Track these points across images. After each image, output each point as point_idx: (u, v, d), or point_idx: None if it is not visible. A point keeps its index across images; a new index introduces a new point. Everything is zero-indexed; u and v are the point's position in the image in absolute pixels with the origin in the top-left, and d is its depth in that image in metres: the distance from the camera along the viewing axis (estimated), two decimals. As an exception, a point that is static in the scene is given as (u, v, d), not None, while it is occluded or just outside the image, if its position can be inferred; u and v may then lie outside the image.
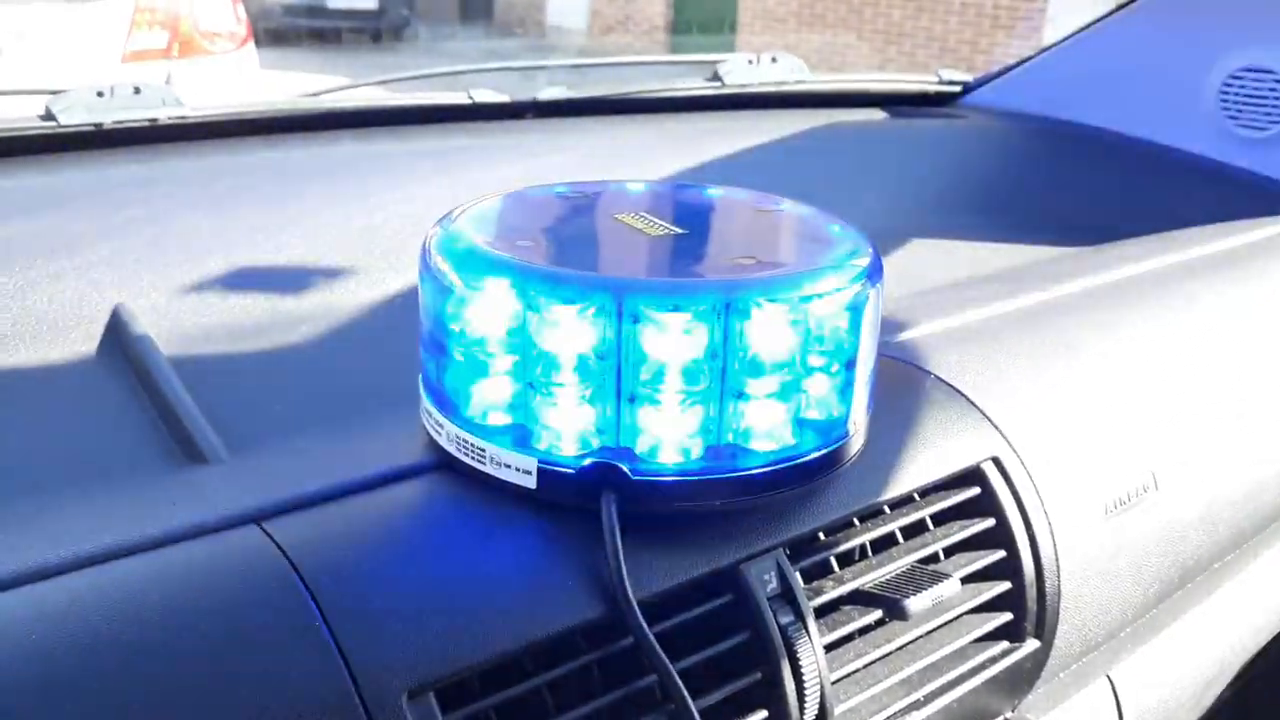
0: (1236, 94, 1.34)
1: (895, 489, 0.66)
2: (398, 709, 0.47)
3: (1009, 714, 0.73)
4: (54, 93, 1.00)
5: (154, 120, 1.03)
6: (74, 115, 0.99)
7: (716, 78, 1.41)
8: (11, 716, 0.42)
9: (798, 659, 0.57)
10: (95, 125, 1.00)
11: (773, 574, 0.59)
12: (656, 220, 0.61)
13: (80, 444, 0.65)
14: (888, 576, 0.64)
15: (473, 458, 0.56)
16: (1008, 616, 0.69)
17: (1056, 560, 0.71)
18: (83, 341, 0.75)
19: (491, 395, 0.55)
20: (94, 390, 0.71)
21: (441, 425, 0.57)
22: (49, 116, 0.98)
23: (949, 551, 0.68)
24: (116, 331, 0.76)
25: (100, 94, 1.01)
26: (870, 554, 0.65)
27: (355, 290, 0.87)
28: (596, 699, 0.52)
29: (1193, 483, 0.83)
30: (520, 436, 0.55)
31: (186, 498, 0.57)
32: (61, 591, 0.48)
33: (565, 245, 0.60)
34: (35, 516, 0.56)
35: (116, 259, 0.82)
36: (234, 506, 0.54)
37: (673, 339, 0.52)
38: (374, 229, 0.94)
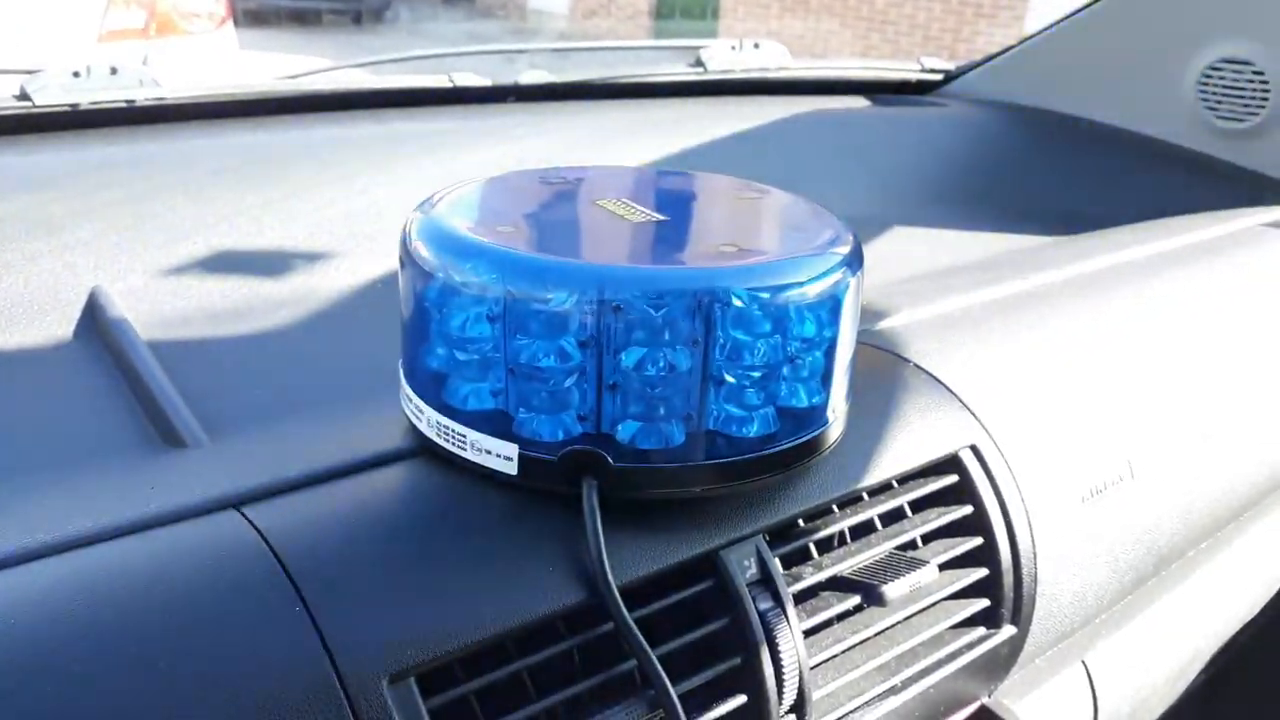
0: (1215, 85, 1.35)
1: (874, 476, 0.66)
2: (378, 694, 0.47)
3: (985, 699, 0.74)
4: (29, 72, 0.99)
5: (131, 101, 1.02)
6: (49, 96, 0.98)
7: (699, 63, 1.40)
8: (-12, 702, 0.42)
9: (776, 644, 0.57)
10: (71, 106, 0.99)
11: (752, 560, 0.59)
12: (638, 206, 0.61)
13: (57, 428, 0.65)
14: (866, 563, 0.64)
15: (453, 444, 0.56)
16: (984, 603, 0.70)
17: (1033, 547, 0.71)
18: (59, 325, 0.75)
19: (472, 381, 0.55)
20: (71, 374, 0.70)
21: (422, 411, 0.57)
22: (24, 97, 0.97)
23: (927, 538, 0.69)
24: (94, 315, 0.75)
25: (76, 74, 1.00)
26: (849, 540, 0.66)
27: (335, 275, 0.86)
28: (577, 684, 0.53)
29: (1168, 472, 0.84)
30: (501, 423, 0.55)
31: (165, 482, 0.57)
32: (39, 577, 0.47)
33: (546, 231, 0.60)
34: (11, 501, 0.55)
35: (93, 241, 0.82)
36: (213, 491, 0.54)
37: (653, 326, 0.52)
38: (354, 213, 0.93)
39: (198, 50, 3.08)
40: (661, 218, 0.60)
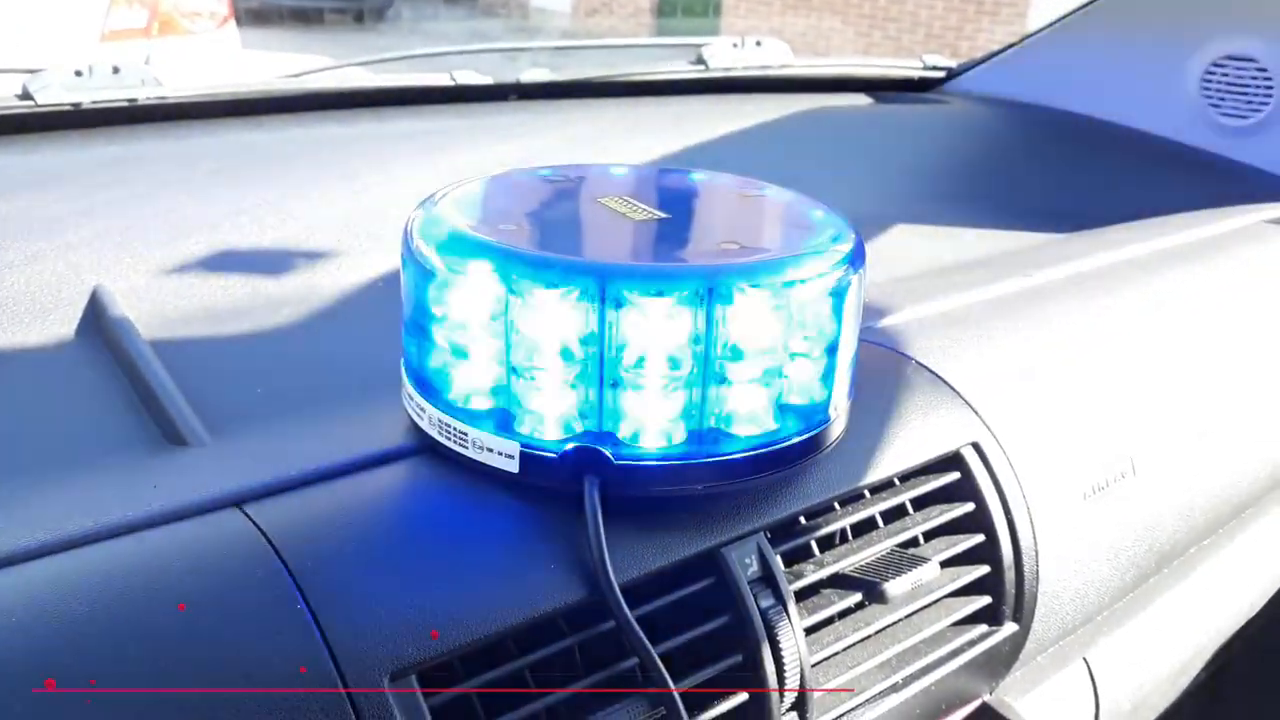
0: (1219, 82, 1.35)
1: (876, 473, 0.66)
2: (380, 692, 0.47)
3: (987, 696, 0.74)
4: (31, 72, 0.99)
5: (133, 100, 1.02)
6: (52, 95, 0.98)
7: (701, 61, 1.40)
8: (-9, 699, 0.42)
9: (778, 642, 0.57)
10: (73, 105, 0.99)
11: (753, 557, 0.59)
12: (640, 204, 0.61)
13: (59, 427, 0.65)
14: (868, 560, 0.64)
15: (455, 441, 0.56)
16: (986, 600, 0.70)
17: (1035, 545, 0.71)
18: (61, 324, 0.75)
19: (474, 379, 0.55)
20: (73, 373, 0.70)
21: (423, 409, 0.57)
22: (26, 96, 0.97)
23: (928, 535, 0.69)
24: (95, 314, 0.75)
25: (78, 73, 1.00)
26: (850, 538, 0.66)
27: (337, 273, 0.86)
28: (578, 681, 0.53)
29: (1170, 469, 0.84)
30: (503, 420, 0.55)
31: (167, 481, 0.57)
32: (41, 575, 0.48)
33: (548, 229, 0.60)
34: (14, 500, 0.55)
35: (95, 240, 0.82)
36: (215, 489, 0.54)
37: (655, 324, 0.52)
38: (356, 211, 0.93)
39: (200, 49, 3.08)
40: (663, 215, 0.60)
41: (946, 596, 0.68)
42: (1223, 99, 1.35)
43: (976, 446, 0.71)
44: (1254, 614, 1.03)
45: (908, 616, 0.67)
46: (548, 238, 0.57)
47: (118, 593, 0.47)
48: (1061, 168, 1.38)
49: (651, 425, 0.54)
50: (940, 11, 8.20)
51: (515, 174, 0.67)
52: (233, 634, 0.46)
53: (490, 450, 0.55)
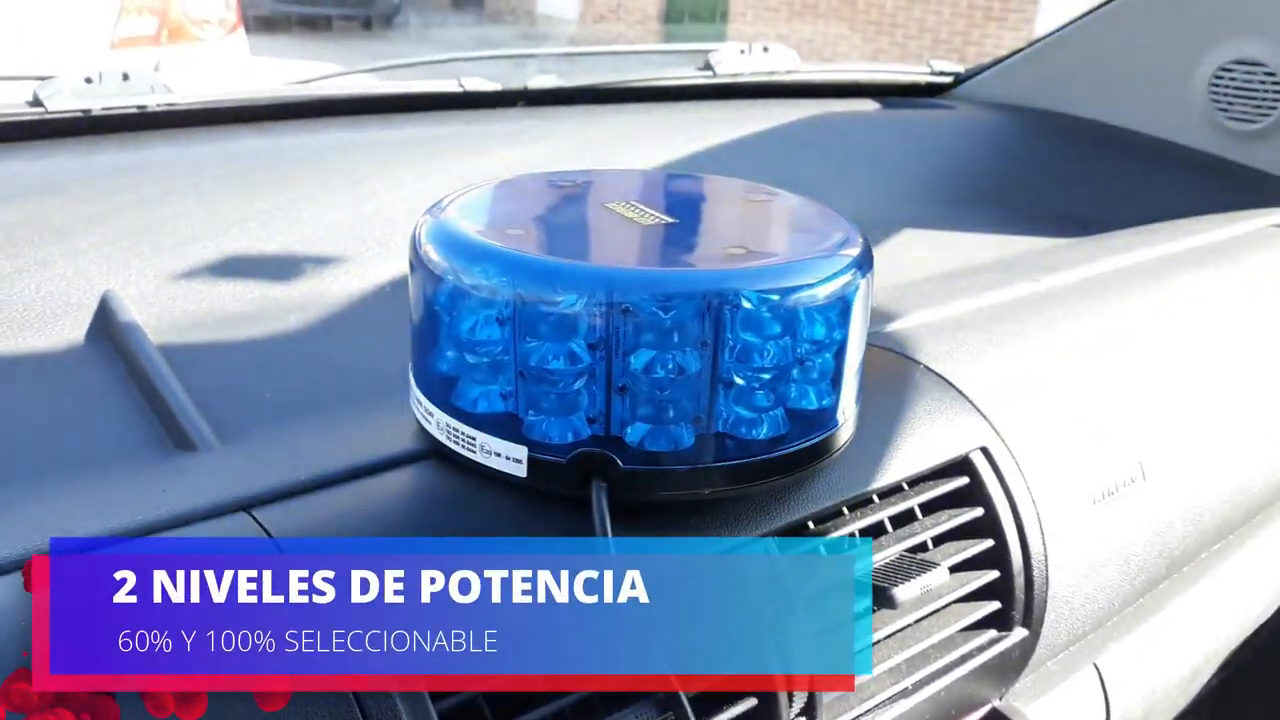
0: (1226, 86, 1.35)
1: (884, 478, 0.66)
2: (388, 697, 0.47)
3: (996, 702, 0.73)
4: (42, 79, 1.00)
5: (143, 107, 1.02)
6: (62, 101, 0.98)
7: (708, 67, 1.40)
8: None
9: (786, 647, 0.57)
10: (83, 112, 0.99)
11: (762, 563, 0.59)
12: (647, 209, 0.61)
13: (68, 432, 0.65)
14: (876, 565, 0.64)
15: (463, 446, 0.56)
16: (995, 605, 0.70)
17: (1044, 550, 0.71)
18: (71, 329, 0.75)
19: (481, 384, 0.55)
20: (82, 378, 0.71)
21: (431, 413, 0.57)
22: (37, 103, 0.98)
23: (937, 541, 0.69)
24: (105, 319, 0.76)
25: (88, 80, 1.00)
26: (859, 543, 0.66)
27: (345, 278, 0.86)
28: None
29: (1180, 474, 0.83)
30: (510, 425, 0.55)
31: (176, 485, 0.57)
32: (50, 579, 0.48)
33: (556, 234, 0.60)
34: (23, 504, 0.56)
35: (105, 246, 0.82)
36: (224, 494, 0.54)
37: (662, 329, 0.52)
38: (364, 217, 0.93)
39: (209, 56, 3.08)
40: (671, 220, 0.60)
41: (955, 601, 0.68)
42: (1231, 103, 1.35)
43: (985, 451, 0.71)
44: (1265, 619, 1.02)
45: (917, 622, 0.67)
46: (556, 243, 0.57)
47: (127, 597, 0.47)
48: (1069, 172, 1.38)
49: (659, 430, 0.54)
50: (947, 17, 8.20)
51: (523, 179, 0.67)
52: (241, 638, 0.46)
53: (498, 455, 0.55)
